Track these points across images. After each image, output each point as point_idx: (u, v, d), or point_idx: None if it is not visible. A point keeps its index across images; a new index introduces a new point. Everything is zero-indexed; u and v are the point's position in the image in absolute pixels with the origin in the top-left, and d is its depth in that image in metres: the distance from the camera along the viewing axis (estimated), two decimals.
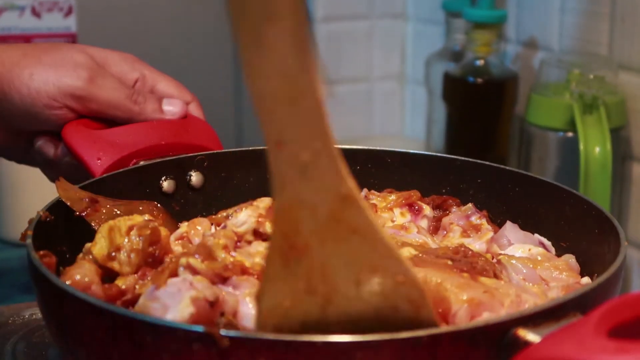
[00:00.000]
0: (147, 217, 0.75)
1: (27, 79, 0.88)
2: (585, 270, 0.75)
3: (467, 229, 0.80)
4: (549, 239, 0.79)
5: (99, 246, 0.71)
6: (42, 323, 0.85)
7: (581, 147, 1.15)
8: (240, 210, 0.72)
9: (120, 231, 0.71)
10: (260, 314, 0.59)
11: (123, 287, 0.68)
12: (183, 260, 0.64)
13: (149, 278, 0.68)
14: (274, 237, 0.58)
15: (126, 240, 0.70)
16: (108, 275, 0.70)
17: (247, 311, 0.63)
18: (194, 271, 0.64)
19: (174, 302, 0.61)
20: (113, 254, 0.70)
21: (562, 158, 1.22)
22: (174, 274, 0.65)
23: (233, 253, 0.67)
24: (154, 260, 0.70)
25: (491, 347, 0.55)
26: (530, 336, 0.55)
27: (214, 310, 0.62)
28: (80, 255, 0.72)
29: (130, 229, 0.71)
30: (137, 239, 0.70)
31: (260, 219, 0.70)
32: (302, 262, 0.57)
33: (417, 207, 0.81)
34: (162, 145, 0.89)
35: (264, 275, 0.58)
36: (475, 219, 0.80)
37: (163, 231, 0.71)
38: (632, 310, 0.52)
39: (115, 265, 0.69)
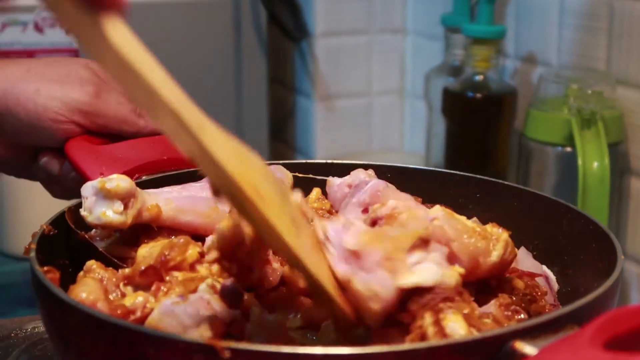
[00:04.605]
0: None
1: (33, 95, 0.88)
2: (582, 284, 0.75)
3: None
4: (546, 253, 0.80)
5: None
6: (45, 336, 0.86)
7: (579, 161, 1.15)
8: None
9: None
10: None
11: (130, 306, 0.66)
12: (209, 281, 0.64)
13: (164, 289, 0.67)
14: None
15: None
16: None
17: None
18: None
19: (193, 323, 0.61)
20: None
21: (561, 173, 1.22)
22: (196, 289, 0.65)
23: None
24: (164, 262, 0.68)
25: (488, 359, 0.56)
26: (527, 348, 0.55)
27: (230, 329, 0.62)
28: (81, 273, 0.71)
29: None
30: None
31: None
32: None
33: None
34: (164, 161, 0.90)
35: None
36: None
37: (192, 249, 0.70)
38: (628, 323, 0.52)
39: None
